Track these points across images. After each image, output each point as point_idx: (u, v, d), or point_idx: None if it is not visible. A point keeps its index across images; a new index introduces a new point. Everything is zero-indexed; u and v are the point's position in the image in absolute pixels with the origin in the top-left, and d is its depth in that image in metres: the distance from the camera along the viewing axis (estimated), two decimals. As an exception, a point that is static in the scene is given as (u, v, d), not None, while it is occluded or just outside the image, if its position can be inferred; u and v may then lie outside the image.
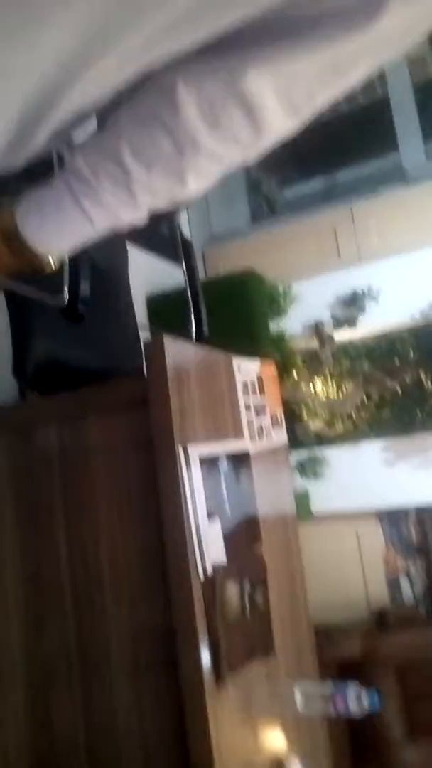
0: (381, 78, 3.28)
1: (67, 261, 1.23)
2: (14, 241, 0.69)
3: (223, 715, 1.11)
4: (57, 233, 0.69)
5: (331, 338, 2.75)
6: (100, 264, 1.53)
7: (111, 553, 1.22)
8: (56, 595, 1.25)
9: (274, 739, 1.31)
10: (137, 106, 0.64)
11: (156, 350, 1.16)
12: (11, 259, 0.71)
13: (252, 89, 0.58)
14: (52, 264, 0.73)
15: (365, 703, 1.30)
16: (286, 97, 0.60)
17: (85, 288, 1.25)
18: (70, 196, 0.66)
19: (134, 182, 0.64)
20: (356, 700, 1.30)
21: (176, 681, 1.10)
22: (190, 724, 1.08)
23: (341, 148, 3.73)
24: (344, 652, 2.09)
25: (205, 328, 1.78)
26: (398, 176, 3.23)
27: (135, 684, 1.18)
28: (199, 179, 0.66)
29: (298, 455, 2.85)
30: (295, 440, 2.85)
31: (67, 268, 1.21)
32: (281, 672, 1.40)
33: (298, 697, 1.38)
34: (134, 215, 0.69)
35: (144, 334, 1.71)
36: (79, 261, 1.26)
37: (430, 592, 2.68)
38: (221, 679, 1.11)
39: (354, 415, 2.74)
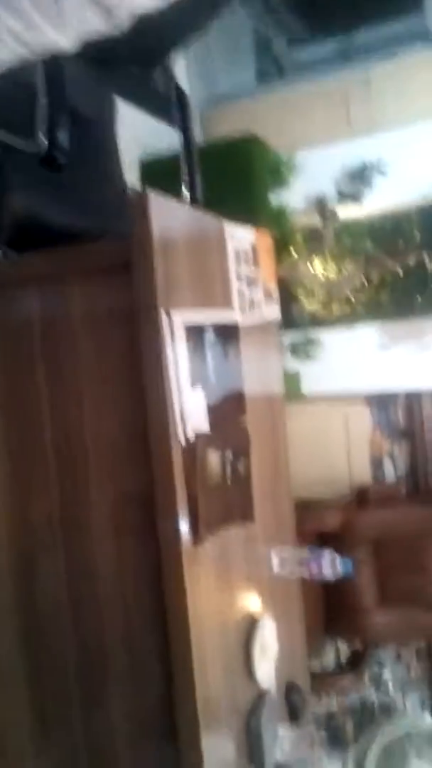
0: None
1: (43, 103, 1.13)
2: None
3: (199, 574, 1.15)
4: None
5: (334, 214, 2.63)
6: (83, 114, 1.41)
7: (94, 421, 1.21)
8: (40, 465, 1.25)
9: (249, 599, 1.37)
10: None
11: (141, 208, 1.08)
12: None
13: None
14: None
15: (339, 568, 1.35)
16: None
17: (63, 135, 1.16)
18: None
19: None
20: (331, 564, 1.35)
21: (156, 543, 1.13)
22: (167, 582, 1.12)
23: (360, 5, 3.38)
24: (324, 524, 2.17)
25: (199, 193, 1.67)
26: (421, 37, 2.96)
27: (116, 547, 1.21)
28: None
29: (292, 336, 2.82)
30: (290, 321, 2.80)
31: (42, 111, 1.11)
32: (260, 538, 1.45)
33: (275, 561, 1.44)
34: (58, 36, 0.58)
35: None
36: (56, 106, 1.15)
37: (411, 472, 2.76)
38: (199, 541, 1.13)
39: (352, 297, 2.67)
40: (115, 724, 1.25)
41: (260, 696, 1.35)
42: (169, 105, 1.65)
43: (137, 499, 1.18)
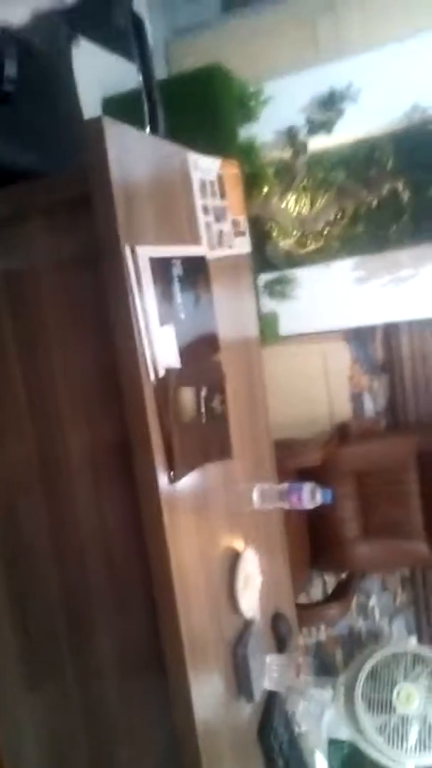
0: None
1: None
2: None
3: (177, 511, 1.15)
4: None
5: (304, 146, 2.54)
6: (36, 46, 1.33)
7: (64, 364, 1.19)
8: (14, 414, 1.23)
9: (230, 534, 1.38)
10: None
11: (96, 134, 1.02)
12: None
13: None
14: None
15: (319, 497, 1.36)
16: None
17: (11, 65, 1.09)
18: None
19: None
20: (310, 494, 1.35)
21: (133, 480, 1.12)
22: (146, 521, 1.12)
23: None
24: (305, 461, 2.19)
25: (162, 127, 1.60)
26: None
27: (95, 486, 1.21)
28: None
29: (267, 276, 2.77)
30: (265, 261, 2.75)
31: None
32: (239, 476, 1.45)
33: (255, 495, 1.44)
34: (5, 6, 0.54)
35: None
36: (3, 36, 1.08)
37: (390, 406, 2.77)
38: (175, 477, 1.13)
39: (326, 232, 2.62)
40: (104, 661, 1.27)
41: (246, 626, 1.37)
42: (130, 40, 1.57)
43: (113, 439, 1.17)
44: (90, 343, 1.16)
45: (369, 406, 2.83)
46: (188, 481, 1.18)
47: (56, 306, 1.17)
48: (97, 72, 1.96)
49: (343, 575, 2.69)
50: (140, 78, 1.58)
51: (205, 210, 1.36)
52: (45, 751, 1.36)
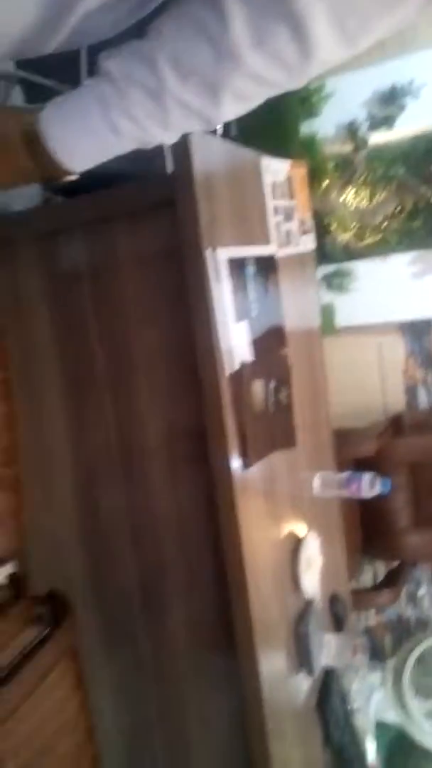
0: None
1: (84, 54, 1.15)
2: (34, 144, 0.65)
3: (248, 496, 1.23)
4: (80, 141, 0.65)
5: (365, 141, 2.57)
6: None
7: (145, 356, 1.28)
8: (96, 400, 1.33)
9: (294, 518, 1.46)
10: (181, 13, 0.59)
11: (183, 147, 1.11)
12: (28, 164, 0.67)
13: (300, 4, 0.54)
14: (73, 176, 0.69)
15: (378, 487, 1.43)
16: (337, 19, 0.55)
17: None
18: (96, 102, 0.62)
19: (167, 93, 0.60)
20: (369, 484, 1.42)
21: (208, 468, 1.20)
22: (220, 505, 1.20)
23: None
24: (360, 451, 2.24)
25: (233, 126, 1.68)
26: None
27: (171, 470, 1.30)
28: (235, 101, 0.63)
29: (326, 269, 2.82)
30: (323, 253, 2.79)
31: (85, 58, 1.12)
32: (301, 463, 1.53)
33: (316, 483, 1.52)
34: (163, 135, 0.65)
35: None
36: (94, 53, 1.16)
37: (446, 399, 2.79)
38: (247, 464, 1.21)
39: (384, 226, 2.65)
40: (176, 636, 1.37)
41: (307, 605, 1.45)
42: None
43: (189, 426, 1.26)
44: (168, 334, 1.25)
45: (423, 399, 2.86)
46: (257, 467, 1.27)
47: (137, 298, 1.26)
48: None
49: (394, 564, 2.74)
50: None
51: (276, 210, 1.43)
52: (123, 714, 1.47)
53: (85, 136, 0.65)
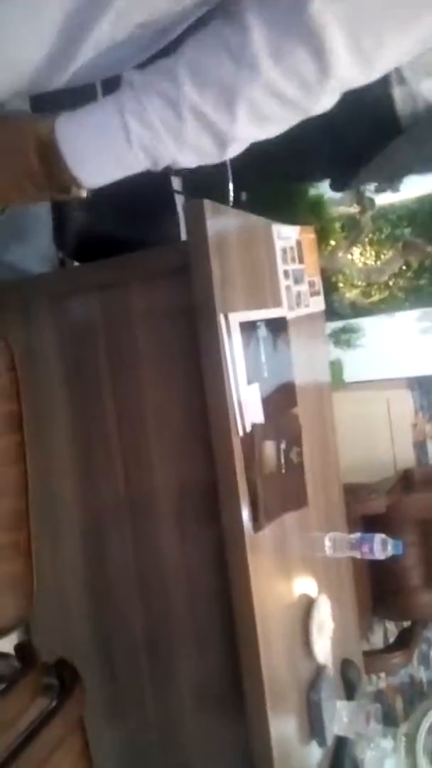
0: None
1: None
2: (48, 153, 0.66)
3: (260, 559, 1.23)
4: (94, 149, 0.66)
5: (371, 202, 2.65)
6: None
7: (156, 415, 1.29)
8: (106, 455, 1.34)
9: (305, 580, 1.45)
10: (203, 31, 0.62)
11: (196, 215, 1.15)
12: (42, 177, 0.67)
13: (317, 21, 0.56)
14: (83, 191, 0.69)
15: (390, 548, 1.41)
16: (353, 38, 0.57)
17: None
18: (115, 107, 0.64)
19: (184, 102, 0.62)
20: (381, 545, 1.41)
21: (218, 529, 1.20)
22: (232, 567, 1.19)
23: None
24: (370, 507, 2.23)
25: (243, 193, 1.73)
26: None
27: (181, 530, 1.30)
28: (251, 118, 0.63)
29: (333, 325, 2.86)
30: (331, 310, 2.83)
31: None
32: (313, 523, 1.52)
33: (327, 544, 1.51)
34: (176, 150, 0.65)
35: (180, 199, 1.68)
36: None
37: (455, 455, 2.78)
38: (259, 527, 1.21)
39: (391, 283, 2.70)
40: (184, 698, 1.34)
41: (319, 671, 1.42)
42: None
43: (199, 486, 1.26)
44: (179, 393, 1.27)
45: (432, 454, 2.86)
46: (268, 528, 1.26)
47: (149, 357, 1.28)
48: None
49: (406, 623, 2.68)
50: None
51: (286, 274, 1.47)
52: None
53: (98, 141, 0.65)
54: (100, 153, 0.66)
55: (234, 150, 0.68)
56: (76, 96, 0.76)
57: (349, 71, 0.60)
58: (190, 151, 0.66)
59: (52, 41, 0.65)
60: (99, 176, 0.68)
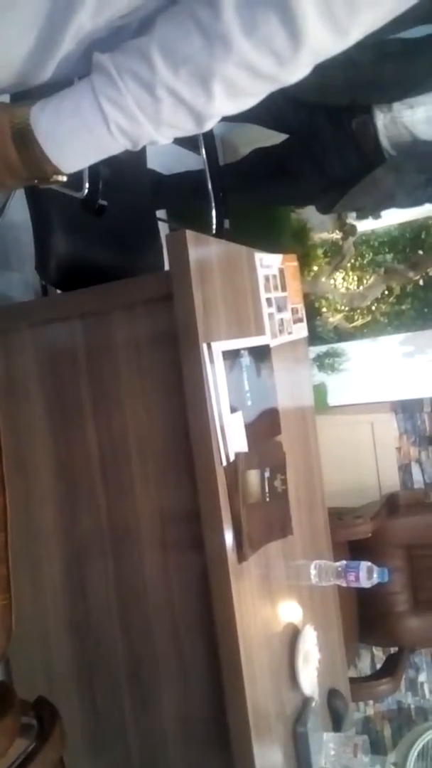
0: None
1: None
2: (24, 139, 0.65)
3: (244, 589, 1.21)
4: (71, 135, 0.65)
5: (354, 229, 2.68)
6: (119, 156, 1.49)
7: (138, 445, 1.28)
8: (87, 483, 1.32)
9: (290, 610, 1.43)
10: (172, 9, 0.61)
11: (178, 245, 1.15)
12: (19, 164, 0.66)
13: None
14: (62, 176, 0.68)
15: (376, 577, 1.41)
16: (326, 6, 0.56)
17: (103, 179, 1.23)
18: (90, 92, 0.63)
19: (158, 83, 0.61)
20: (367, 573, 1.40)
21: (202, 558, 1.19)
22: (215, 597, 1.18)
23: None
24: (356, 533, 2.22)
25: (226, 221, 1.75)
26: None
27: (163, 560, 1.28)
28: (227, 95, 0.63)
29: (317, 349, 2.88)
30: (314, 335, 2.86)
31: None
32: (298, 550, 1.51)
33: (313, 572, 1.50)
34: (154, 131, 0.65)
35: (163, 227, 1.69)
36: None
37: (440, 478, 2.79)
38: (243, 557, 1.20)
39: (374, 308, 2.72)
40: (167, 731, 1.31)
41: (305, 703, 1.40)
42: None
43: (182, 516, 1.25)
44: (162, 423, 1.26)
45: (417, 477, 2.86)
46: (253, 558, 1.25)
47: (132, 385, 1.28)
48: (158, 158, 2.15)
49: (393, 649, 2.66)
50: (207, 176, 1.73)
51: (269, 302, 1.47)
52: None
53: (75, 126, 0.64)
54: (78, 138, 0.65)
55: (212, 123, 0.67)
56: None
57: (322, 42, 0.59)
58: (167, 129, 0.66)
59: (32, 34, 0.65)
60: (77, 161, 0.68)
